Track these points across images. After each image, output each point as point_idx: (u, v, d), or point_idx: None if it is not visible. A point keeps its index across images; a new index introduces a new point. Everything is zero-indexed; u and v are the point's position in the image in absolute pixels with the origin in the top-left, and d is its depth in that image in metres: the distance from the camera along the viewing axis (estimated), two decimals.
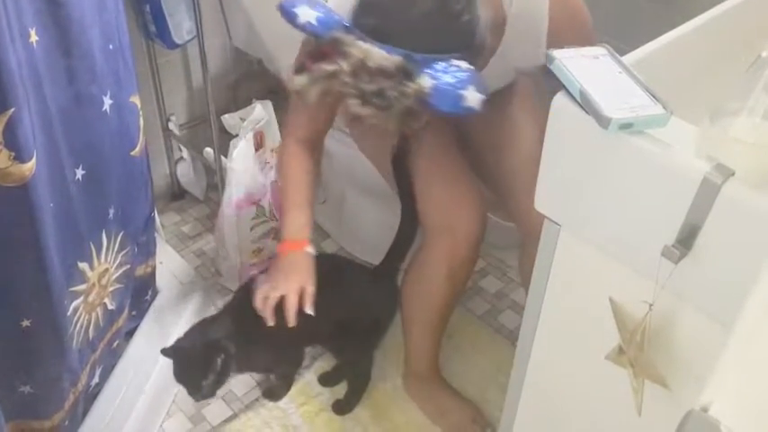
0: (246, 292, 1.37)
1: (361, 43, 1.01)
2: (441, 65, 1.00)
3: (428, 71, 0.99)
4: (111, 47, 1.29)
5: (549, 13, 1.19)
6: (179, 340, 1.41)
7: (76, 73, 1.22)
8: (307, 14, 1.04)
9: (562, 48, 0.84)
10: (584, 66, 0.83)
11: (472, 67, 1.02)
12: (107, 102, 1.29)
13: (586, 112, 0.78)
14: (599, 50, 0.86)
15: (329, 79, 1.03)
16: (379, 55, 1.00)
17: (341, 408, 1.59)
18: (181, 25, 1.74)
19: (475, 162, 1.48)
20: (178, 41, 1.75)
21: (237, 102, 2.11)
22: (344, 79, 1.01)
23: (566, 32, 1.18)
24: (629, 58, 0.88)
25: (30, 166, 1.08)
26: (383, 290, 1.54)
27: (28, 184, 1.08)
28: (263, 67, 2.03)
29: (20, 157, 1.07)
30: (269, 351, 1.47)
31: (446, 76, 0.99)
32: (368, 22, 1.04)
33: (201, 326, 1.44)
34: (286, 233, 1.33)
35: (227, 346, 1.35)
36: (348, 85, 1.02)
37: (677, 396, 0.82)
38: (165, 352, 1.37)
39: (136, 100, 1.38)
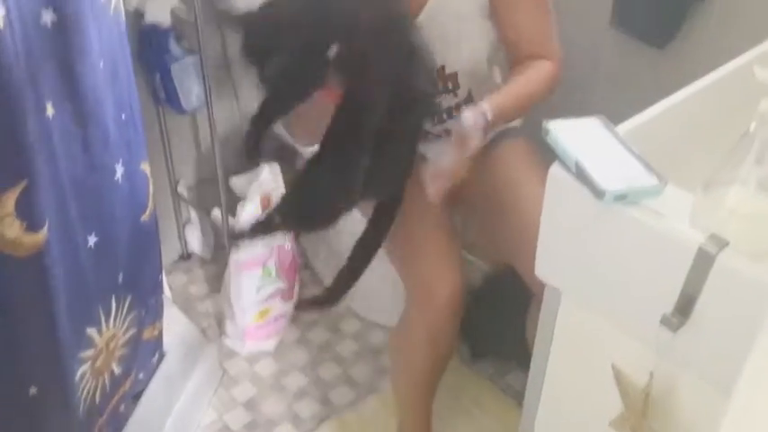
0: None
1: None
2: None
3: None
4: (123, 116, 1.33)
5: None
6: None
7: (90, 143, 1.26)
8: None
9: None
10: (578, 137, 0.86)
11: None
12: (119, 170, 1.32)
13: (582, 184, 0.80)
14: (594, 122, 0.89)
15: None
16: None
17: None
18: (190, 91, 1.79)
19: (478, 222, 1.50)
20: (187, 107, 1.80)
21: (245, 164, 2.16)
22: None
23: None
24: (622, 128, 0.90)
25: (42, 236, 1.11)
26: None
27: (40, 252, 1.11)
28: (271, 129, 2.07)
29: (32, 227, 1.10)
30: None
31: None
32: None
33: None
34: None
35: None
36: None
37: None
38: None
39: (146, 167, 1.42)
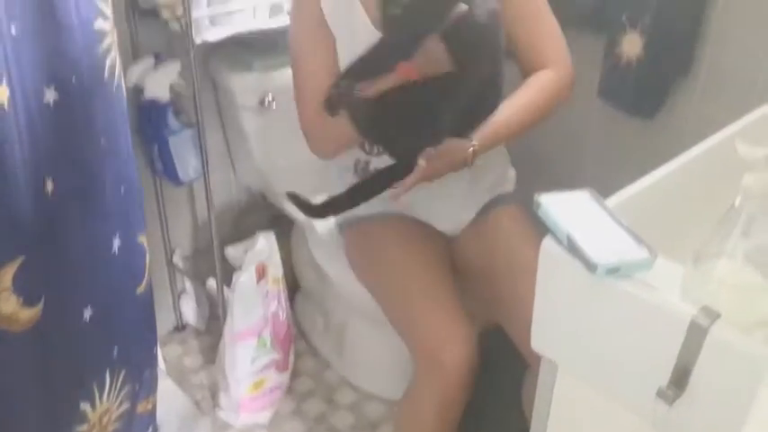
0: None
1: None
2: None
3: None
4: (122, 189, 1.35)
5: None
6: None
7: (88, 218, 1.27)
8: None
9: None
10: (569, 210, 0.88)
11: None
12: (116, 243, 1.34)
13: (574, 257, 0.82)
14: (583, 195, 0.91)
15: None
16: None
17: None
18: (187, 163, 1.81)
19: (472, 288, 1.51)
20: (184, 179, 1.82)
21: (241, 232, 2.17)
22: None
23: None
24: (612, 201, 0.92)
25: (38, 310, 1.11)
26: None
27: (35, 327, 1.11)
28: (266, 199, 2.10)
29: (28, 302, 1.10)
30: None
31: None
32: None
33: None
34: None
35: None
36: None
37: None
38: None
39: (143, 239, 1.43)
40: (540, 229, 0.88)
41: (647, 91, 1.59)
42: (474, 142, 1.32)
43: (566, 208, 0.88)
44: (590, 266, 0.79)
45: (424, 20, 1.23)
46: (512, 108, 1.36)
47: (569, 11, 1.63)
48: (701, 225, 0.82)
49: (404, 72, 1.26)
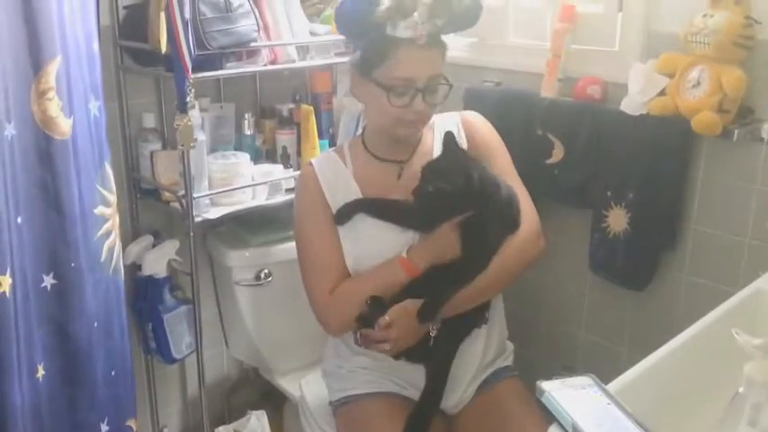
0: None
1: None
2: None
3: None
4: (113, 373, 1.33)
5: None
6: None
7: (77, 402, 1.25)
8: None
9: None
10: (573, 397, 0.86)
11: None
12: (104, 428, 1.30)
13: None
14: (585, 381, 0.90)
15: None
16: None
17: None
18: (181, 340, 1.80)
19: None
20: (177, 356, 1.80)
21: (231, 409, 2.11)
22: None
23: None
24: (613, 386, 0.91)
25: None
26: None
27: None
28: (258, 374, 2.06)
29: None
30: None
31: None
32: None
33: None
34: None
35: None
36: None
37: None
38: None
39: (132, 424, 1.39)
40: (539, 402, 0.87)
41: (636, 264, 1.62)
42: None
43: (569, 395, 0.87)
44: None
45: (447, 207, 1.31)
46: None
47: (556, 186, 1.71)
48: (704, 405, 0.81)
49: (408, 269, 1.33)
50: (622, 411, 0.84)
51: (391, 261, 1.35)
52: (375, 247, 1.37)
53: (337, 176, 1.42)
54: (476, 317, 1.43)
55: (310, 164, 1.45)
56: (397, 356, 1.41)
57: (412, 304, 1.33)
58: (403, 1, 1.27)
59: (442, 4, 1.30)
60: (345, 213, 1.39)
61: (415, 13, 1.28)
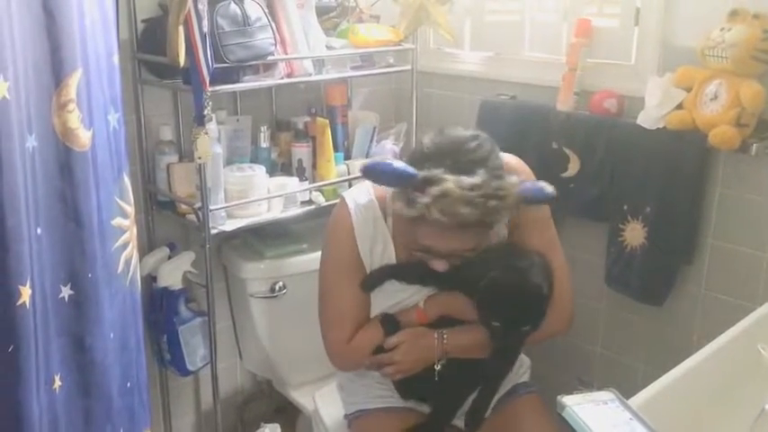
0: None
1: (447, 175, 1.18)
2: None
3: None
4: (128, 384, 1.33)
5: None
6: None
7: (92, 413, 1.25)
8: (399, 163, 1.23)
9: None
10: (594, 412, 0.85)
11: None
12: None
13: None
14: (607, 395, 0.89)
15: (442, 198, 1.16)
16: (465, 179, 1.17)
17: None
18: (195, 353, 1.79)
19: None
20: (192, 368, 1.79)
21: (245, 422, 2.10)
22: (456, 189, 1.15)
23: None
24: (635, 401, 0.90)
25: None
26: None
27: None
28: (272, 386, 2.05)
29: None
30: None
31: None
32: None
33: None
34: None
35: None
36: (458, 191, 1.16)
37: None
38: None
39: None
40: (560, 420, 0.86)
41: (653, 278, 1.61)
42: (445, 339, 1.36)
43: (590, 410, 0.85)
44: None
45: (469, 280, 1.29)
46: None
47: (572, 200, 1.70)
48: (728, 420, 0.80)
49: (419, 317, 1.37)
50: (645, 427, 0.83)
51: (409, 311, 1.38)
52: (399, 299, 1.40)
53: (376, 234, 1.38)
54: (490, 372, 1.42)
55: (346, 204, 1.38)
56: (404, 395, 1.44)
57: (421, 330, 1.35)
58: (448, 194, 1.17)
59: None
60: (374, 283, 1.39)
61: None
